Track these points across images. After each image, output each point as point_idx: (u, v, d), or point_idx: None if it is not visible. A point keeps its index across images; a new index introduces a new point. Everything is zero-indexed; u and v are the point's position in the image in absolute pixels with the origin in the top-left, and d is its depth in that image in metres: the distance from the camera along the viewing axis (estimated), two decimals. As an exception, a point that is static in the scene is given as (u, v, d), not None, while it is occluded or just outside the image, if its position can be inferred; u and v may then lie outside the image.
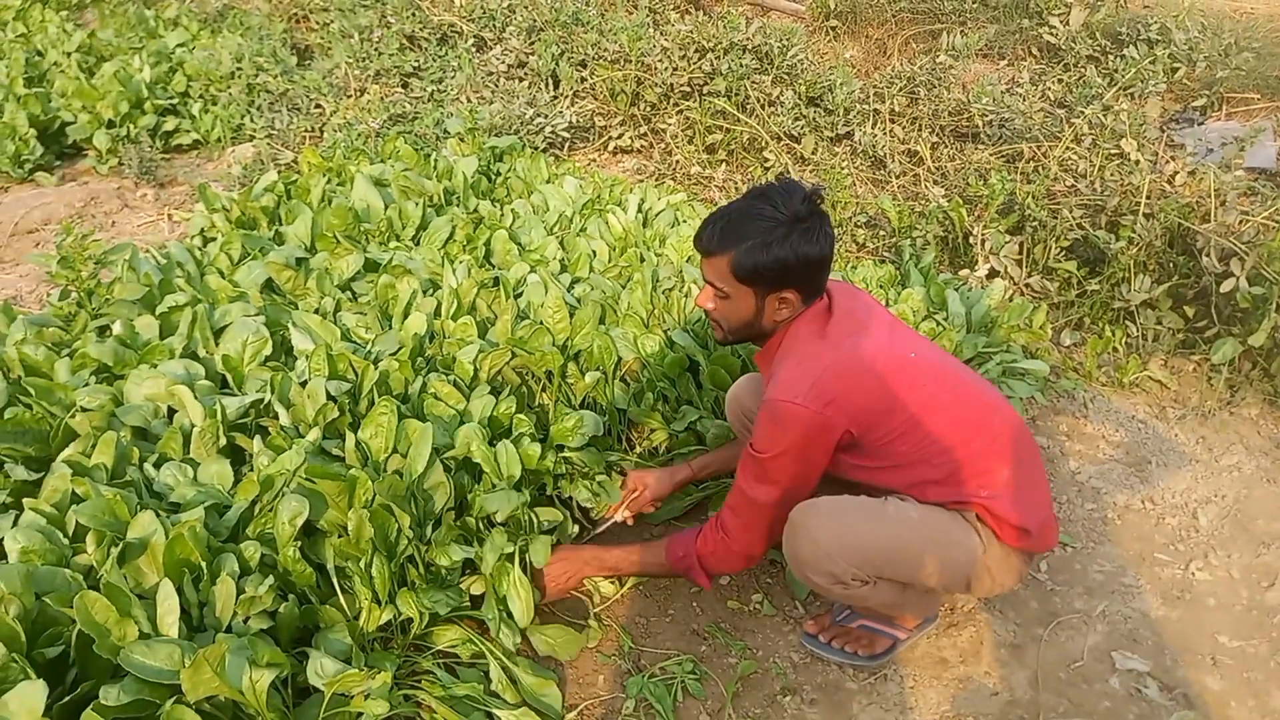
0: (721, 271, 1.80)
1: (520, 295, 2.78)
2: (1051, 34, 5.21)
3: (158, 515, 1.76)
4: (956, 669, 2.10)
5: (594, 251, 3.14)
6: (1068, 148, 3.82)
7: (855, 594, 1.87)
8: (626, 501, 2.31)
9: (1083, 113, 3.96)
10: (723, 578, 2.33)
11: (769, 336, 1.91)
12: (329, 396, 2.20)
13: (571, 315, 2.63)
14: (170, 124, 4.80)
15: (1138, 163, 3.52)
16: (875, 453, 1.82)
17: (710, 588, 2.10)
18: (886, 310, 1.96)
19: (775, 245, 1.72)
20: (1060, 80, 4.92)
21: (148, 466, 2.04)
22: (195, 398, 2.14)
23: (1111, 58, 4.90)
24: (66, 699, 1.52)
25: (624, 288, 2.86)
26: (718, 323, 1.92)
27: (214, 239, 3.25)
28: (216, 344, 2.43)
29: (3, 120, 4.41)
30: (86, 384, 2.26)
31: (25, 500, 1.86)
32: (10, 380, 2.28)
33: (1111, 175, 3.55)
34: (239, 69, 5.10)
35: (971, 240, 3.51)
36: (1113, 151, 3.76)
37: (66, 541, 1.78)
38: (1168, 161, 3.67)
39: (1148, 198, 3.29)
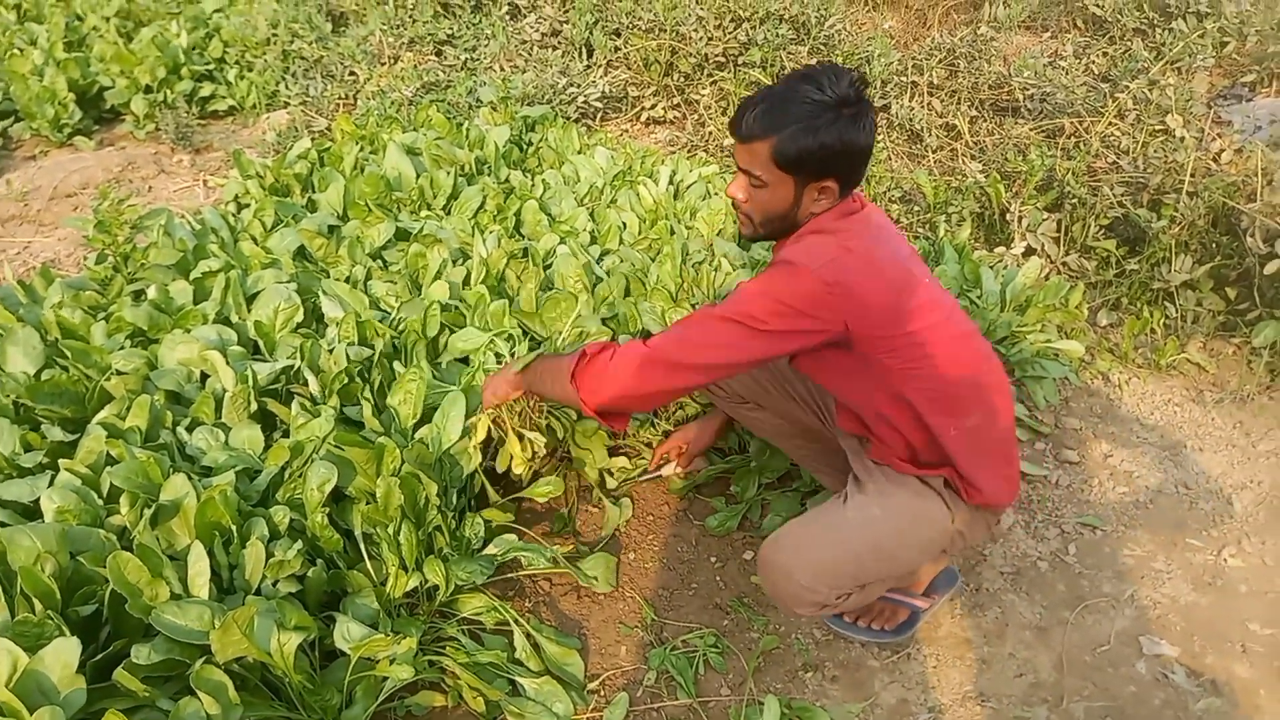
0: (761, 158, 1.66)
1: (550, 266, 2.77)
2: (1097, 6, 5.07)
3: (190, 478, 1.79)
4: (980, 649, 2.09)
5: (624, 223, 3.13)
6: (1110, 123, 3.73)
7: (847, 605, 1.87)
8: (665, 451, 2.37)
9: (1127, 87, 3.86)
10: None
11: (795, 230, 1.76)
12: (348, 362, 2.22)
13: (593, 287, 2.62)
14: (206, 90, 4.82)
15: (1183, 139, 3.43)
16: (861, 358, 1.72)
17: (588, 408, 1.77)
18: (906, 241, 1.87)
19: (823, 130, 1.60)
20: (1105, 54, 4.79)
21: (180, 430, 2.07)
22: (227, 363, 2.16)
23: (1159, 31, 4.76)
24: (99, 656, 1.56)
25: (653, 260, 2.84)
26: (747, 217, 1.77)
27: (248, 205, 3.28)
28: (249, 310, 2.45)
29: (43, 84, 4.45)
30: (122, 347, 2.29)
31: (61, 461, 1.90)
32: (48, 343, 2.32)
33: (1155, 152, 3.47)
34: (274, 35, 5.11)
35: (1008, 217, 3.45)
36: (1157, 128, 3.66)
37: (101, 502, 1.82)
38: (1214, 139, 3.57)
39: (1192, 175, 3.21)
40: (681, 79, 4.59)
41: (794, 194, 1.69)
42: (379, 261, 2.86)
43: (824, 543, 1.79)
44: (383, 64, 4.87)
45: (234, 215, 3.17)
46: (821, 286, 1.61)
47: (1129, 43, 4.82)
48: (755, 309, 1.64)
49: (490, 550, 2.08)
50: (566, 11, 5.01)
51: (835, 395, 1.89)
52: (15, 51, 4.70)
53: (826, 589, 1.78)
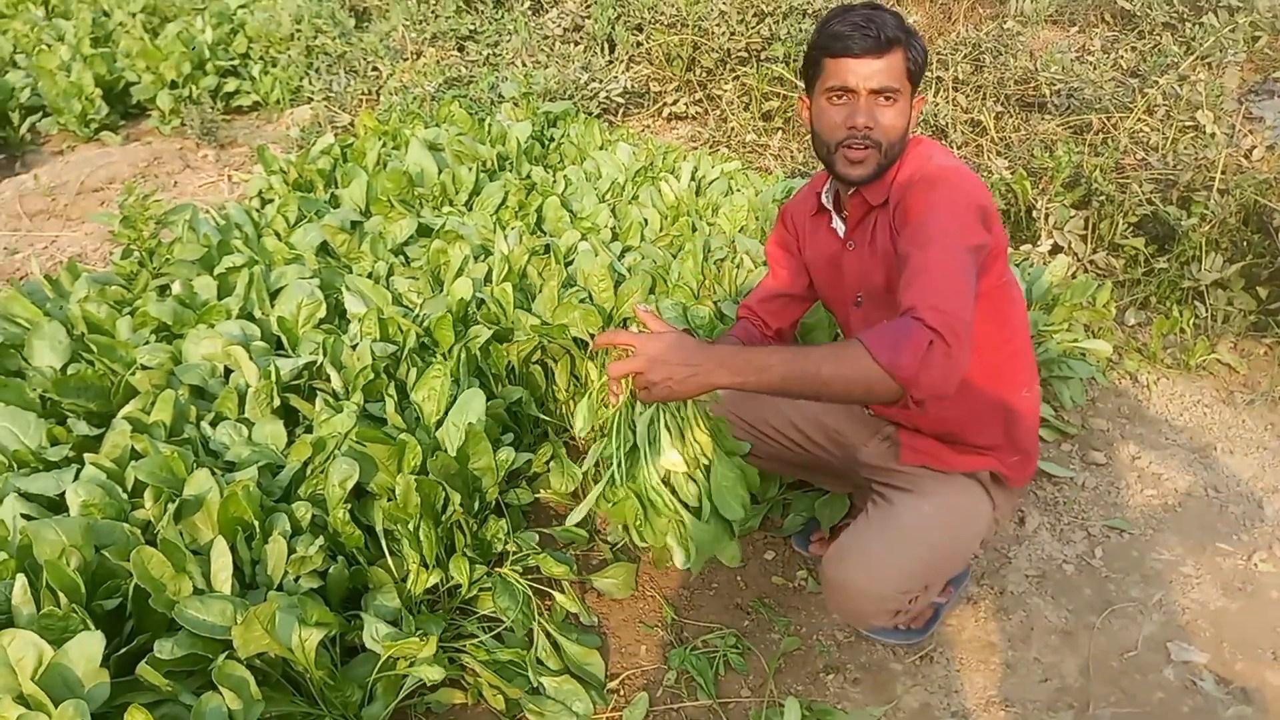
0: (897, 69, 1.55)
1: (571, 263, 2.76)
2: (1126, 0, 5.00)
3: (213, 473, 1.80)
4: (1004, 653, 2.07)
5: (646, 220, 3.11)
6: (1139, 119, 3.68)
7: (913, 609, 1.86)
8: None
9: (1156, 83, 3.80)
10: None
11: (898, 158, 1.65)
12: (372, 358, 2.22)
13: (618, 285, 2.60)
14: (231, 85, 4.86)
15: (1213, 136, 3.37)
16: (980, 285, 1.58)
17: (917, 390, 1.32)
18: None
19: (921, 40, 1.59)
20: (1134, 48, 4.72)
21: (204, 425, 2.08)
22: (251, 358, 2.17)
23: (1189, 25, 4.68)
24: (123, 650, 1.56)
25: (675, 257, 2.82)
26: (875, 146, 1.59)
27: (271, 201, 3.29)
28: (272, 306, 2.46)
29: (70, 80, 4.49)
30: (147, 342, 2.31)
31: (86, 455, 1.91)
32: (74, 337, 2.33)
33: (1185, 148, 3.41)
34: (298, 31, 5.13)
35: (1035, 214, 3.40)
36: (1187, 124, 3.61)
37: (125, 496, 1.82)
38: (1245, 135, 3.51)
39: (1223, 173, 3.16)
40: (704, 74, 4.57)
41: (909, 110, 1.63)
42: (401, 257, 2.87)
43: (889, 551, 1.74)
44: (405, 59, 4.87)
45: (258, 211, 3.18)
46: (983, 192, 1.54)
47: (1158, 37, 4.75)
48: (956, 225, 1.46)
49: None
50: (588, 6, 4.99)
51: None
52: (43, 47, 4.74)
53: (900, 596, 1.75)
